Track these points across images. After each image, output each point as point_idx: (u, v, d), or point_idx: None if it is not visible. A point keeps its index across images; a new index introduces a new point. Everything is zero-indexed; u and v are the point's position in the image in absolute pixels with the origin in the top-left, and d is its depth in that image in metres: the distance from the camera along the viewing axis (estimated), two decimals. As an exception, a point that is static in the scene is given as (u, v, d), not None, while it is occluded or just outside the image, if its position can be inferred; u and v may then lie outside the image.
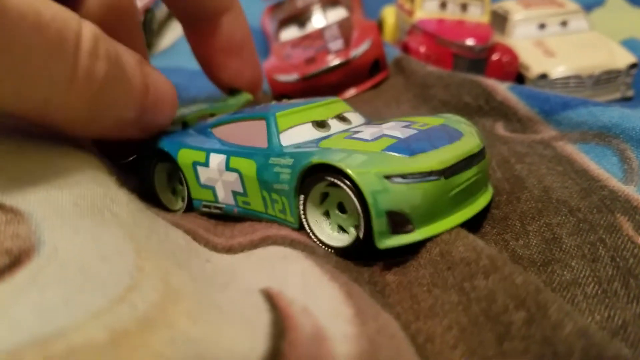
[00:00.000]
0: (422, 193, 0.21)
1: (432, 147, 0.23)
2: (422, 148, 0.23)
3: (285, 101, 0.32)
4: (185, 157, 0.28)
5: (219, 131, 0.29)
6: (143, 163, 0.31)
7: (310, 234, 0.24)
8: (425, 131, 0.25)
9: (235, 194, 0.27)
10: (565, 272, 0.22)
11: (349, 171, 0.21)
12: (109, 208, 0.20)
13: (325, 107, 0.28)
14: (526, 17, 0.51)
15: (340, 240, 0.23)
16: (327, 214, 0.24)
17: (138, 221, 0.21)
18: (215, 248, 0.25)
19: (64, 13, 0.21)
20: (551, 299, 0.17)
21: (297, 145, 0.25)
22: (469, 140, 0.25)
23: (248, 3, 0.65)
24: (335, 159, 0.21)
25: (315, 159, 0.22)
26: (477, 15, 0.51)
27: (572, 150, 0.30)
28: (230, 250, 0.25)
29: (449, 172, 0.22)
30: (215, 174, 0.27)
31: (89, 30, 0.21)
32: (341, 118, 0.28)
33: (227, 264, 0.23)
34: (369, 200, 0.21)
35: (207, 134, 0.29)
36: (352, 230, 0.23)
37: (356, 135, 0.25)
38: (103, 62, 0.22)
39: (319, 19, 0.51)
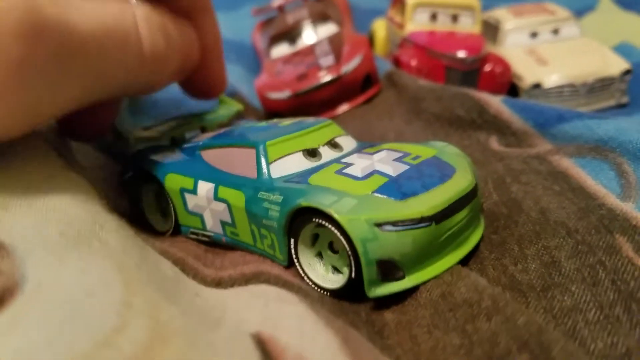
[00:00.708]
0: (412, 240, 0.21)
1: (423, 188, 0.23)
2: (413, 190, 0.22)
3: (275, 121, 0.31)
4: (172, 182, 0.28)
5: (208, 155, 0.28)
6: (131, 183, 0.31)
7: (304, 277, 0.23)
8: (417, 167, 0.24)
9: (223, 223, 0.26)
10: (565, 298, 0.21)
11: (338, 217, 0.20)
12: (97, 236, 0.20)
13: (316, 132, 0.28)
14: (517, 25, 0.50)
15: (335, 281, 0.23)
16: (320, 255, 0.24)
17: (128, 249, 0.21)
18: (204, 280, 0.24)
19: (120, 5, 0.23)
20: (554, 339, 0.16)
21: (287, 179, 0.25)
22: (461, 178, 0.24)
23: (239, 19, 0.65)
24: (325, 204, 0.21)
25: (304, 202, 0.22)
26: (468, 25, 0.51)
27: (568, 164, 0.30)
28: (219, 283, 0.24)
29: (439, 216, 0.22)
30: (204, 201, 0.27)
31: (140, 13, 0.24)
32: (332, 144, 0.28)
33: (217, 300, 0.22)
34: (359, 249, 0.20)
35: (195, 157, 0.29)
36: (345, 270, 0.23)
37: (347, 171, 0.24)
38: (159, 35, 0.25)
39: (309, 35, 0.50)
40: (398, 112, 0.43)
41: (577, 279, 0.22)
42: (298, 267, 0.23)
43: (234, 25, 0.61)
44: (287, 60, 0.49)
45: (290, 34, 0.51)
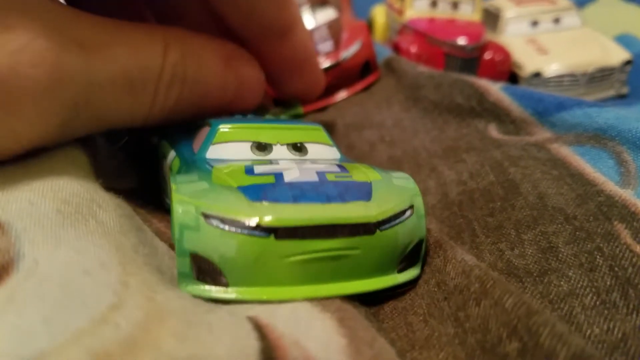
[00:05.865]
0: (236, 246, 0.18)
1: (292, 199, 0.19)
2: (276, 197, 0.19)
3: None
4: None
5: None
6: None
7: None
8: (330, 183, 0.20)
9: None
10: (562, 283, 0.21)
11: (174, 195, 0.19)
12: (94, 215, 0.20)
13: (286, 130, 0.25)
14: (518, 14, 0.50)
15: None
16: None
17: (125, 230, 0.20)
18: None
19: (150, 49, 0.22)
20: (542, 322, 0.16)
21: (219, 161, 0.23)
22: (362, 207, 0.19)
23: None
24: (178, 180, 0.20)
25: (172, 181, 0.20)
26: (468, 13, 0.51)
27: (567, 152, 0.30)
28: None
29: (284, 233, 0.18)
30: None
31: (170, 60, 0.22)
32: (297, 147, 0.24)
33: None
34: (176, 233, 0.18)
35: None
36: None
37: (256, 168, 0.21)
38: (177, 86, 0.23)
39: (307, 20, 0.49)
40: (396, 99, 0.43)
41: (574, 264, 0.21)
42: None
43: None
44: (285, 45, 0.48)
45: (289, 19, 0.50)
